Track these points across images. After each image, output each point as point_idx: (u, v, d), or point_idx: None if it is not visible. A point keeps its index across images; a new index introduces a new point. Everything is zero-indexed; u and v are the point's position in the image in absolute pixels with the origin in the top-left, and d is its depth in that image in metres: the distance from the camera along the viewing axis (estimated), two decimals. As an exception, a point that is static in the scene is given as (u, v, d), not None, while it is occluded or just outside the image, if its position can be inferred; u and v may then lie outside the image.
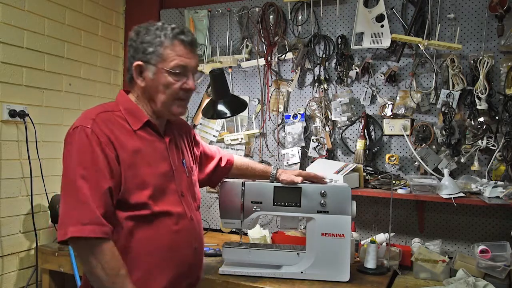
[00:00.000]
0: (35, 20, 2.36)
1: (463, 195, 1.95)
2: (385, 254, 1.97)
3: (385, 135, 2.32)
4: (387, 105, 2.29)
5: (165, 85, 1.36)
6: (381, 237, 2.13)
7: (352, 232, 2.04)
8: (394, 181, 2.14)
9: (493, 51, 2.09)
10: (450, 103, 2.12)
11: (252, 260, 1.82)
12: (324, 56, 2.44)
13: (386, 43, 2.25)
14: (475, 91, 2.05)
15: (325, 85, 2.44)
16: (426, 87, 2.23)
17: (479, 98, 2.04)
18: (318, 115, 2.44)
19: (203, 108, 2.07)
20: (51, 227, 2.41)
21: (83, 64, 2.69)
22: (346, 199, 1.75)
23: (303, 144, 2.47)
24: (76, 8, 2.63)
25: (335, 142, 2.44)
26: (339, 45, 2.39)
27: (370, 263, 1.91)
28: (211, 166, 1.75)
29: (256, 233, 2.22)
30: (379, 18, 2.27)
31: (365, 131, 2.33)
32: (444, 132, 2.12)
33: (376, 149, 2.33)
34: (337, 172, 2.14)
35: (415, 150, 2.18)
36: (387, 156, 2.29)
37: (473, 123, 2.07)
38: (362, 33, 2.31)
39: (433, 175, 2.12)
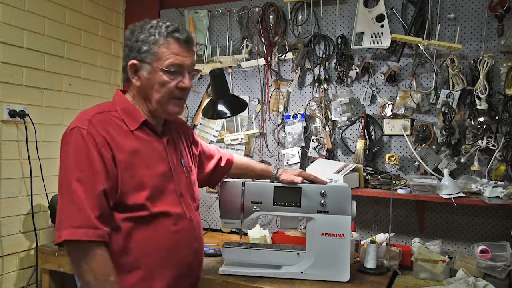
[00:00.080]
0: (35, 20, 2.36)
1: (463, 195, 1.95)
2: (385, 254, 1.97)
3: (385, 135, 2.32)
4: (387, 105, 2.29)
5: (160, 84, 1.33)
6: (381, 237, 2.13)
7: (352, 232, 2.04)
8: (394, 181, 2.14)
9: (493, 51, 2.09)
10: (450, 103, 2.12)
11: (252, 260, 1.82)
12: (324, 56, 2.44)
13: (386, 43, 2.25)
14: (475, 91, 2.05)
15: (325, 85, 2.43)
16: (426, 87, 2.23)
17: (479, 98, 2.04)
18: (318, 115, 2.44)
19: (203, 108, 2.07)
20: (51, 227, 2.41)
21: (83, 64, 2.68)
22: (346, 199, 1.75)
23: (303, 144, 2.46)
24: (76, 8, 2.63)
25: (335, 142, 2.44)
26: (339, 45, 2.39)
27: (370, 263, 1.91)
28: (210, 165, 1.74)
29: (256, 233, 2.22)
30: (379, 18, 2.27)
31: (365, 131, 2.33)
32: (444, 132, 2.12)
33: (376, 149, 2.33)
34: (337, 172, 2.14)
35: (415, 150, 2.18)
36: (387, 156, 2.29)
37: (473, 123, 2.07)
38: (362, 33, 2.31)
39: (433, 175, 2.12)
